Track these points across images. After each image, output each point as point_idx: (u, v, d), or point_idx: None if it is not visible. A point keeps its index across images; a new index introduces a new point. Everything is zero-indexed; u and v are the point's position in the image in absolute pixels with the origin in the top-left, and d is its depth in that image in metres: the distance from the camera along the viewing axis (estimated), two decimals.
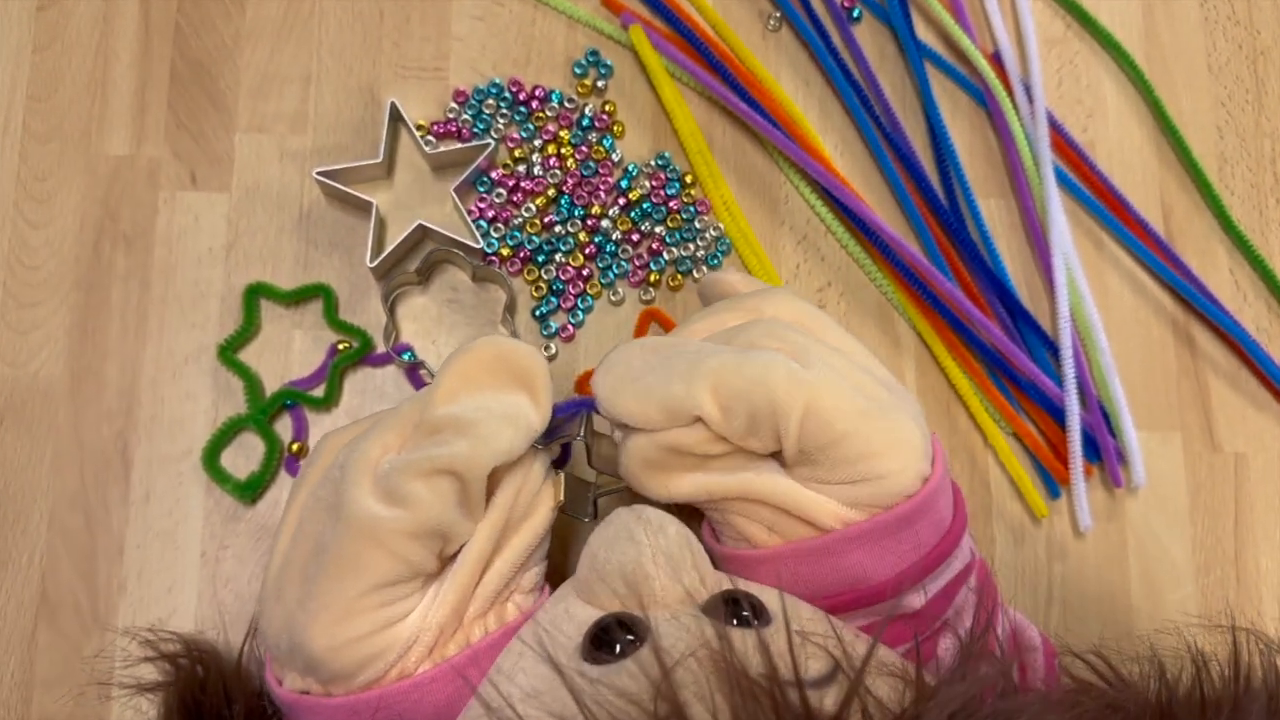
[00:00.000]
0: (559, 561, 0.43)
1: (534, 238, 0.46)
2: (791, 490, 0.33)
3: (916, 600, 0.33)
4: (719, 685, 0.25)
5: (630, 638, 0.29)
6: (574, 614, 0.31)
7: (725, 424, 0.32)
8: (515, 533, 0.35)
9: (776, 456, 0.34)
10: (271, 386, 0.44)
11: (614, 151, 0.47)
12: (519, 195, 0.47)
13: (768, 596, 0.31)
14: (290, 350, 0.45)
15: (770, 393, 0.31)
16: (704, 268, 0.47)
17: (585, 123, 0.47)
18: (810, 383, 0.32)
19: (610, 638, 0.29)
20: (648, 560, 0.31)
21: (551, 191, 0.47)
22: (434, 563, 0.33)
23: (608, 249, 0.46)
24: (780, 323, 0.35)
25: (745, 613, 0.29)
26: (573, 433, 0.37)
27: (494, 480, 0.34)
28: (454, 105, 0.47)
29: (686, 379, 0.32)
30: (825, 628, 0.29)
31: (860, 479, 0.32)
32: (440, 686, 0.32)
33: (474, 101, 0.47)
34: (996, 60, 0.50)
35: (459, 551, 0.34)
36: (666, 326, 0.46)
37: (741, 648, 0.26)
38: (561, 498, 0.36)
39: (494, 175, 0.47)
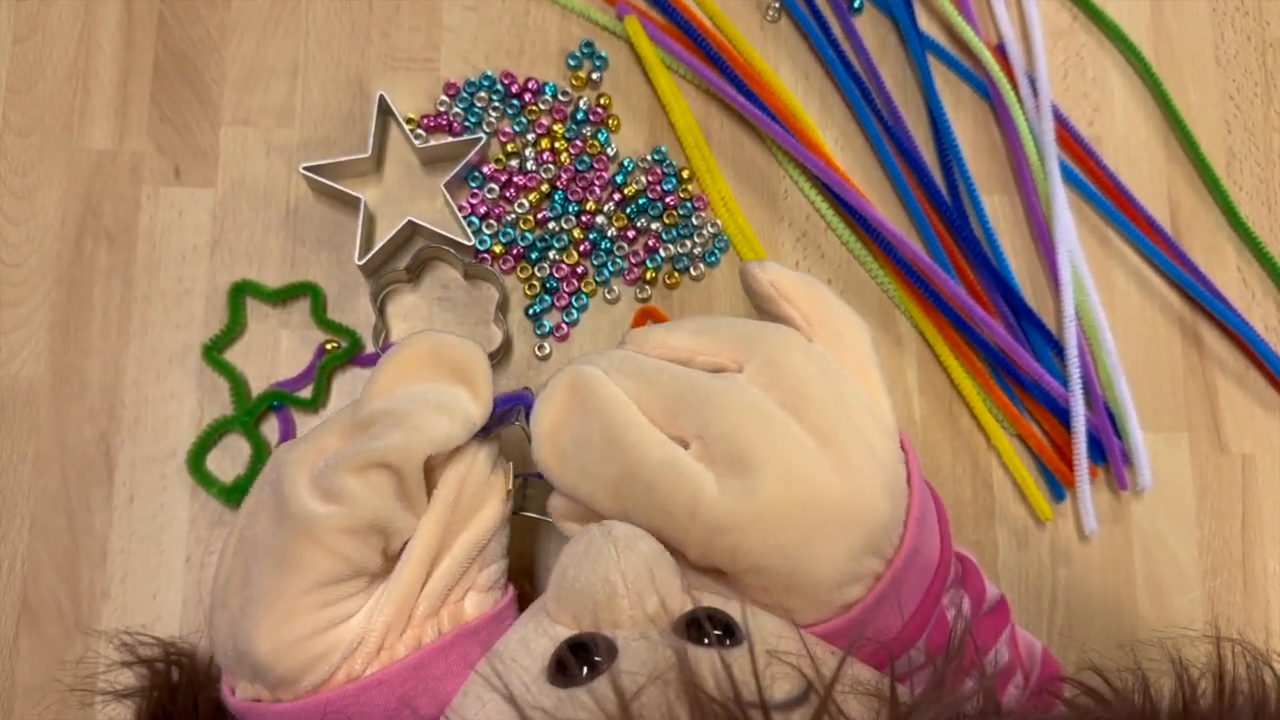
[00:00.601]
0: (527, 562, 0.42)
1: (527, 234, 0.45)
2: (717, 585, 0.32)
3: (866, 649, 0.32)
4: (681, 710, 0.24)
5: (597, 659, 0.28)
6: (544, 632, 0.31)
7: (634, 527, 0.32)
8: (464, 527, 0.34)
9: None
10: (258, 387, 0.43)
11: (609, 146, 0.46)
12: (511, 191, 0.45)
13: (740, 614, 0.30)
14: (277, 350, 0.44)
15: (675, 520, 0.31)
16: (701, 265, 0.46)
17: (579, 116, 0.46)
18: (718, 517, 0.30)
19: (576, 659, 0.28)
20: (617, 578, 0.30)
21: (545, 187, 0.45)
22: (377, 560, 0.32)
23: (603, 246, 0.45)
24: (747, 401, 0.31)
25: (717, 632, 0.29)
26: (510, 422, 0.36)
27: (436, 473, 0.33)
28: (445, 98, 0.46)
29: (598, 485, 0.32)
30: (797, 645, 0.29)
31: (772, 605, 0.31)
32: (389, 689, 0.31)
33: (465, 94, 0.46)
34: (1001, 52, 0.49)
35: (404, 549, 0.33)
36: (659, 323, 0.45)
37: (708, 668, 0.25)
38: (510, 487, 0.35)
39: (486, 170, 0.45)
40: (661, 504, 0.31)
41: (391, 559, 0.33)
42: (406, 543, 0.33)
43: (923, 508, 0.33)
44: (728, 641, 0.29)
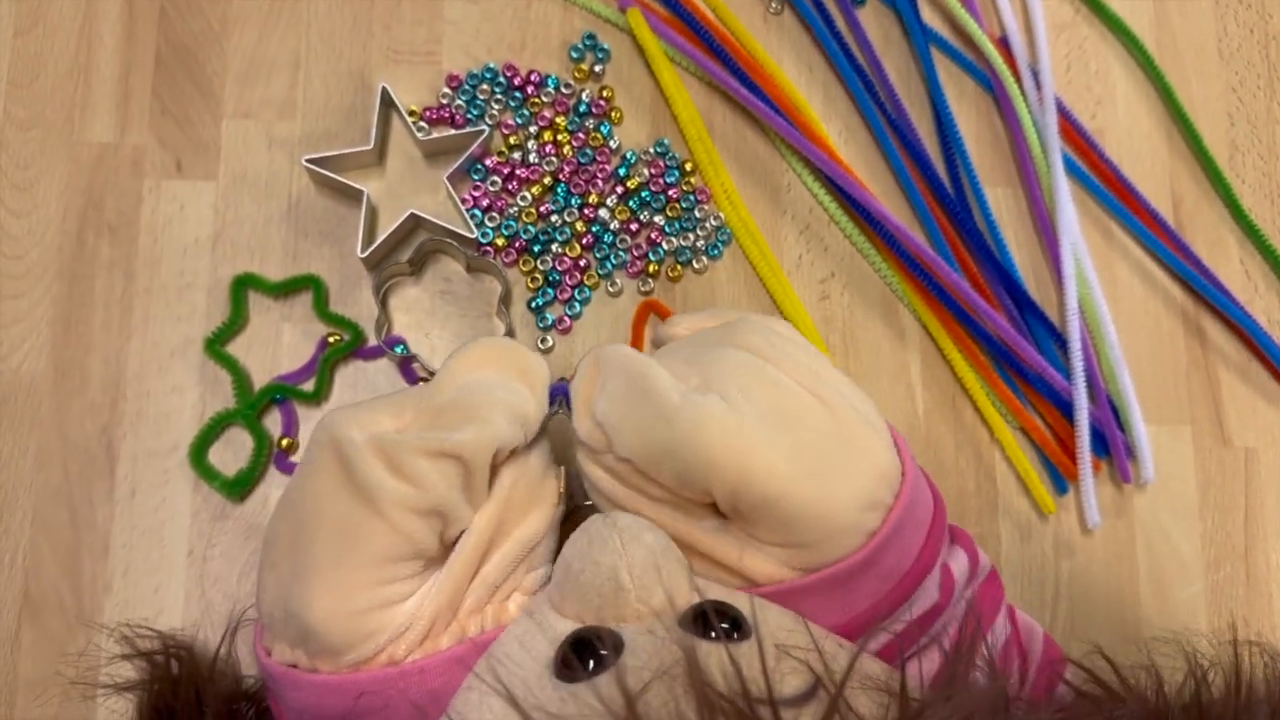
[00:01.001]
0: None
1: (530, 227, 0.45)
2: (728, 552, 0.32)
3: (877, 641, 0.32)
4: (691, 706, 0.24)
5: (604, 653, 0.28)
6: (549, 626, 0.31)
7: (658, 476, 0.32)
8: (516, 525, 0.34)
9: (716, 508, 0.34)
10: (260, 380, 0.43)
11: (611, 138, 0.46)
12: (514, 183, 0.45)
13: (746, 607, 0.30)
14: (279, 343, 0.44)
15: (699, 452, 0.31)
16: (704, 258, 0.46)
17: (582, 109, 0.46)
18: (742, 444, 0.31)
19: (582, 654, 0.28)
20: (622, 571, 0.30)
21: (548, 180, 0.45)
22: (434, 544, 0.32)
23: (605, 239, 0.45)
24: (742, 358, 0.34)
25: (724, 625, 0.29)
26: (554, 412, 0.37)
27: (494, 471, 0.34)
28: (447, 90, 0.46)
29: (624, 428, 0.33)
30: (805, 639, 0.29)
31: (796, 544, 0.31)
32: (426, 679, 0.31)
33: (468, 87, 0.46)
34: (1004, 45, 0.49)
35: (457, 541, 0.33)
36: (664, 317, 0.45)
37: (716, 664, 0.25)
38: (562, 490, 0.36)
39: (488, 163, 0.45)
40: (685, 436, 0.31)
41: (446, 548, 0.33)
42: (460, 535, 0.33)
43: (914, 463, 0.34)
44: (735, 635, 0.28)
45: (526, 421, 0.34)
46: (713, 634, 0.28)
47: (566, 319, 0.45)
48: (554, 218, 0.45)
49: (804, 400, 0.33)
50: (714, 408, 0.31)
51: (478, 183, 0.45)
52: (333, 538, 0.31)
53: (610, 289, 0.45)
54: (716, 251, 0.46)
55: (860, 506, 0.32)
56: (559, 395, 0.36)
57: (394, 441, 0.32)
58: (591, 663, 0.28)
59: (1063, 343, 0.45)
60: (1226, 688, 0.28)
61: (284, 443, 0.42)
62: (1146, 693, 0.28)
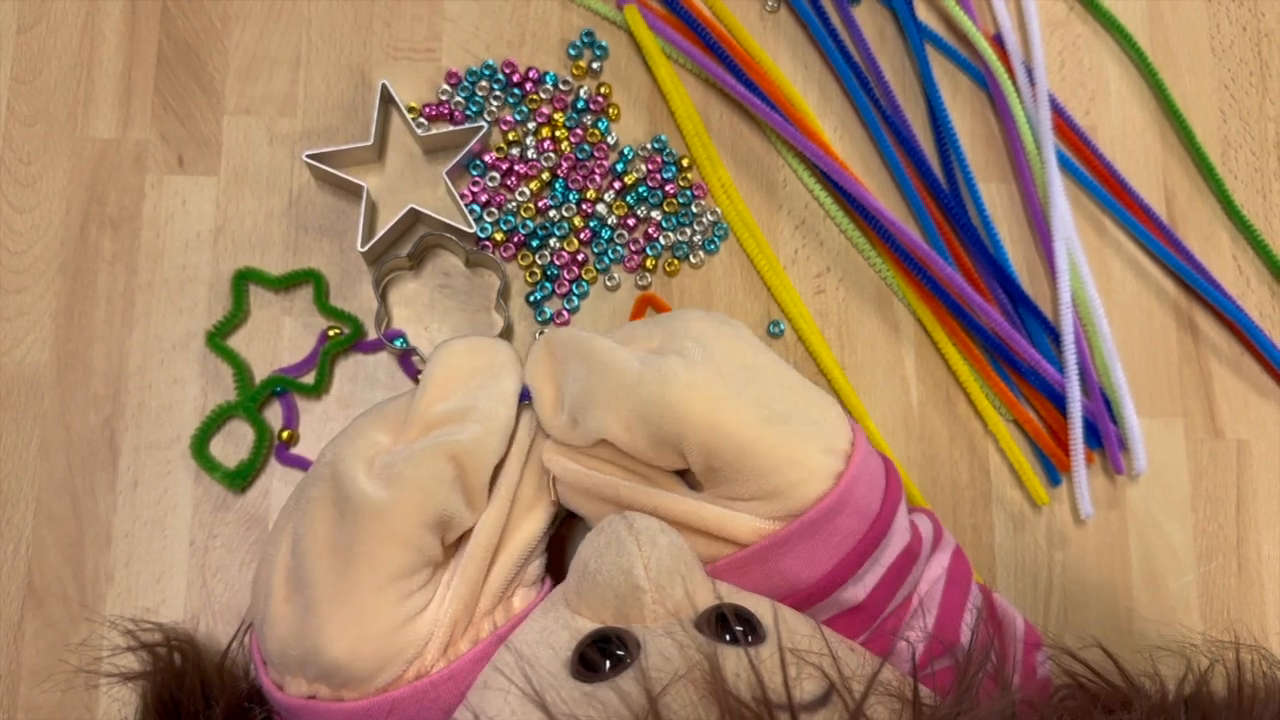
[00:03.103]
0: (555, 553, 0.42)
1: (528, 222, 0.45)
2: (705, 513, 0.33)
3: (857, 593, 0.33)
4: (709, 710, 0.24)
5: (620, 654, 0.28)
6: (565, 625, 0.31)
7: (631, 445, 0.33)
8: (521, 523, 0.35)
9: (687, 477, 0.34)
10: (261, 373, 0.43)
11: (609, 134, 0.46)
12: (513, 179, 0.46)
13: (762, 610, 0.30)
14: (280, 336, 0.44)
15: (669, 410, 0.31)
16: (701, 252, 0.46)
17: (580, 105, 0.46)
18: (709, 396, 0.32)
19: (599, 654, 0.28)
20: (639, 572, 0.30)
21: (546, 175, 0.46)
22: (439, 549, 0.32)
23: (603, 234, 0.46)
24: (688, 333, 0.35)
25: (739, 629, 0.29)
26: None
27: (497, 467, 0.34)
28: (446, 87, 0.46)
29: (590, 403, 0.33)
30: (820, 644, 0.29)
31: (771, 492, 0.32)
32: (457, 683, 0.31)
33: (467, 83, 0.46)
34: (998, 42, 0.49)
35: (460, 544, 0.33)
36: (661, 311, 0.45)
37: (733, 669, 0.25)
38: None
39: (487, 158, 0.46)
40: (653, 399, 0.32)
41: (450, 551, 0.33)
42: (463, 538, 0.33)
43: (864, 438, 0.35)
44: (750, 638, 0.28)
45: (511, 399, 0.35)
46: (728, 636, 0.28)
47: (564, 313, 0.45)
48: (552, 213, 0.46)
49: (760, 352, 0.34)
50: (675, 366, 0.32)
51: (476, 178, 0.46)
52: (340, 568, 0.31)
53: (608, 283, 0.46)
54: (713, 246, 0.46)
55: (825, 450, 0.33)
56: (525, 399, 0.36)
57: (389, 458, 0.32)
58: (608, 663, 0.28)
59: (1056, 336, 0.46)
60: (1228, 690, 0.28)
61: (284, 435, 0.43)
62: (1150, 691, 0.29)
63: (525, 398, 0.36)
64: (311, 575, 0.31)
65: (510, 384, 0.35)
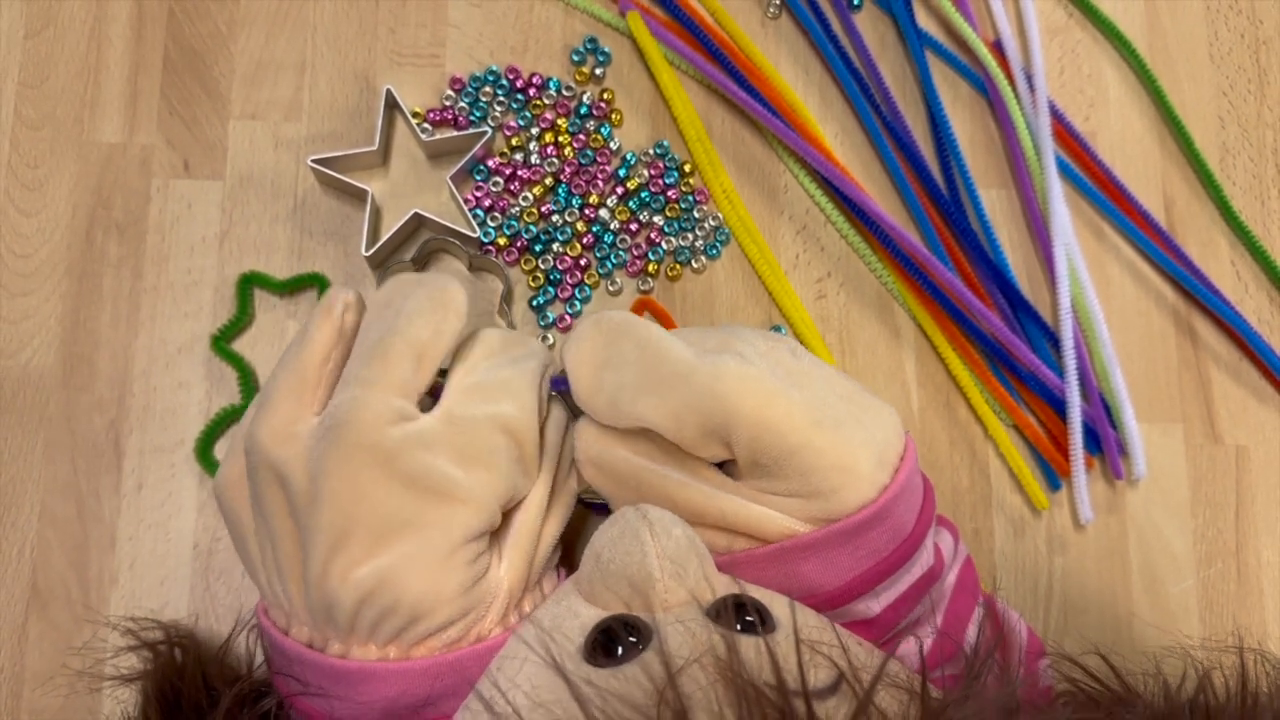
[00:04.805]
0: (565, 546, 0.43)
1: (531, 227, 0.46)
2: (738, 510, 0.33)
3: (871, 607, 0.33)
4: (725, 694, 0.24)
5: (634, 640, 0.28)
6: (577, 613, 0.31)
7: (677, 433, 0.33)
8: (563, 487, 0.35)
9: (726, 466, 0.34)
10: (265, 377, 0.44)
11: (612, 140, 0.47)
12: (516, 184, 0.46)
13: (773, 601, 0.31)
14: (284, 340, 0.44)
15: (720, 403, 0.31)
16: (703, 257, 0.46)
17: (583, 111, 0.47)
18: (762, 392, 0.31)
19: (613, 641, 0.28)
20: (652, 562, 0.30)
21: (549, 180, 0.46)
22: (500, 518, 0.33)
23: (606, 239, 0.46)
24: (743, 338, 0.35)
25: (750, 618, 0.29)
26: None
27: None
28: (450, 93, 0.47)
29: (640, 388, 0.33)
30: (830, 636, 0.29)
31: (812, 493, 0.32)
32: None
33: (470, 89, 0.47)
34: (998, 49, 0.49)
35: (509, 516, 0.34)
36: (659, 315, 0.45)
37: (748, 656, 0.25)
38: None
39: (491, 164, 0.46)
40: (705, 389, 0.32)
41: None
42: (509, 513, 0.34)
43: (914, 454, 0.35)
44: (761, 629, 0.29)
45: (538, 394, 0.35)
46: (740, 626, 0.29)
47: (567, 317, 0.45)
48: (555, 218, 0.46)
49: (816, 367, 0.34)
50: (731, 362, 0.32)
51: (480, 183, 0.46)
52: (413, 534, 0.31)
53: (610, 288, 0.46)
54: (715, 251, 0.46)
55: (875, 460, 0.32)
56: (558, 388, 0.37)
57: (446, 433, 0.31)
58: (621, 650, 0.28)
59: (1056, 341, 0.46)
60: (1228, 694, 0.28)
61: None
62: (1151, 695, 0.29)
63: (557, 386, 0.36)
64: (384, 530, 0.31)
65: (540, 355, 0.36)
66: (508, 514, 0.34)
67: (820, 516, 0.32)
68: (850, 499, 0.32)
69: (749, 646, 0.26)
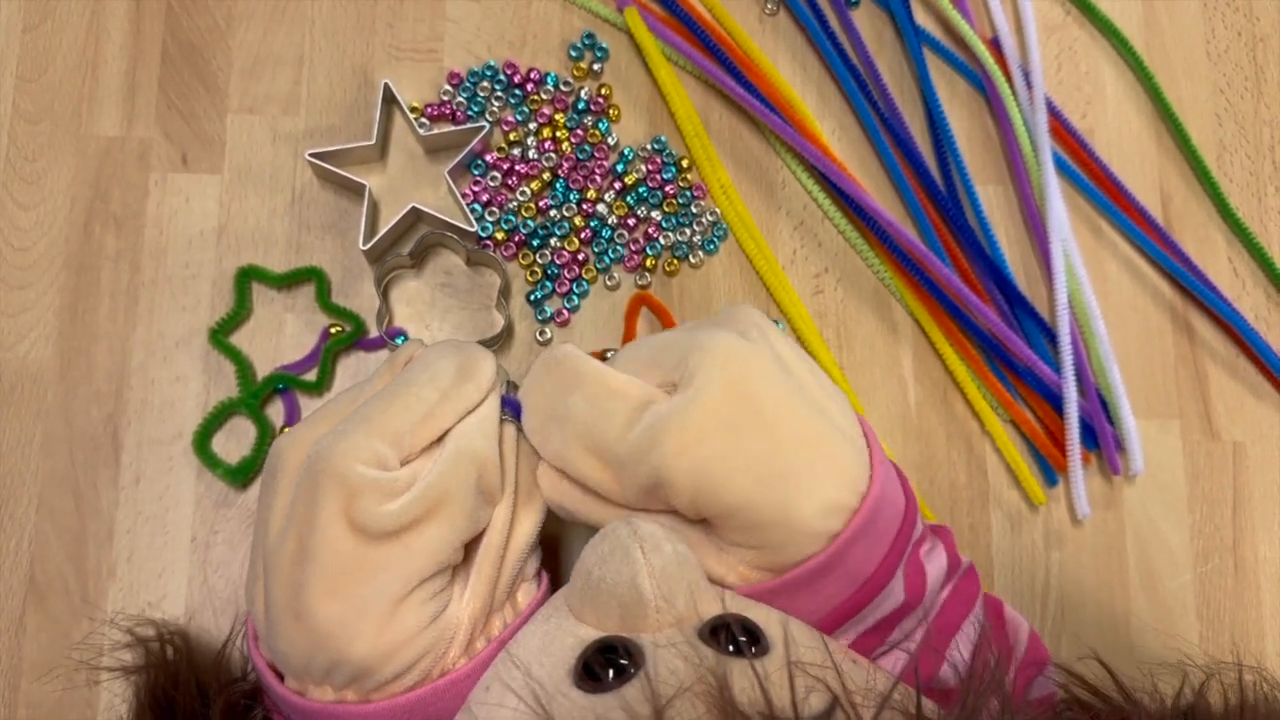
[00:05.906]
0: (548, 550, 0.43)
1: (529, 221, 0.46)
2: (700, 554, 0.32)
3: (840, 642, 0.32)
4: None
5: (624, 663, 0.28)
6: (567, 632, 0.30)
7: (620, 495, 0.33)
8: (524, 512, 0.35)
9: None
10: (263, 370, 0.44)
11: (609, 135, 0.47)
12: (514, 179, 0.46)
13: (767, 619, 0.30)
14: (282, 334, 0.44)
15: (656, 470, 0.31)
16: (700, 253, 0.46)
17: (581, 106, 0.47)
18: (700, 456, 0.31)
19: (603, 664, 0.28)
20: (643, 581, 0.29)
21: (546, 175, 0.46)
22: (462, 553, 0.33)
23: (603, 233, 0.46)
24: (704, 363, 0.33)
25: (742, 639, 0.28)
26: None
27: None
28: (448, 87, 0.47)
29: (584, 449, 0.33)
30: (823, 655, 0.28)
31: (759, 545, 0.32)
32: (477, 679, 0.31)
33: (468, 84, 0.47)
34: (995, 46, 0.49)
35: (473, 543, 0.34)
36: (656, 310, 0.45)
37: (739, 683, 0.25)
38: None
39: (488, 158, 0.46)
40: (640, 454, 0.31)
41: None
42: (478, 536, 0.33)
43: (884, 464, 0.34)
44: (754, 650, 0.28)
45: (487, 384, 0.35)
46: (731, 648, 0.28)
47: (565, 311, 0.45)
48: (553, 212, 0.46)
49: (779, 384, 0.32)
50: (668, 426, 0.31)
51: (478, 178, 0.46)
52: (368, 579, 0.30)
53: (608, 283, 0.46)
54: (712, 246, 0.47)
55: (822, 512, 0.31)
56: (508, 407, 0.36)
57: (414, 494, 0.31)
58: (612, 673, 0.27)
59: (1052, 337, 0.46)
60: (1225, 707, 0.28)
61: (285, 431, 0.43)
62: (1148, 706, 0.29)
63: (508, 404, 0.36)
64: (336, 585, 0.31)
65: (494, 402, 0.35)
66: (469, 542, 0.33)
67: (769, 567, 0.32)
68: (797, 551, 0.31)
69: (740, 673, 0.26)
